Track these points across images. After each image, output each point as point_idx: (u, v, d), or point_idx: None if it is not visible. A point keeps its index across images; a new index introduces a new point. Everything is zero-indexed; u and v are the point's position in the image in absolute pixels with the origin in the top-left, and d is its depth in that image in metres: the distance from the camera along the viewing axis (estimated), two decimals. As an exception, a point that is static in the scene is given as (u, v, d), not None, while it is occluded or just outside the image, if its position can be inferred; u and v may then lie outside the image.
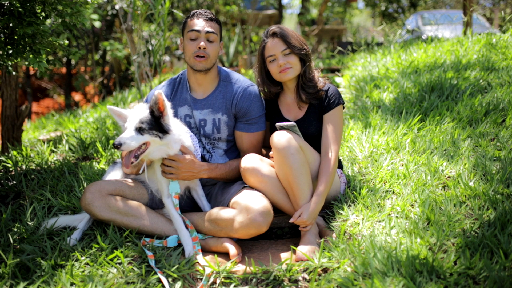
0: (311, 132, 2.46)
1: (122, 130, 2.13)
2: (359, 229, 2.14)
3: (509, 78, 3.67)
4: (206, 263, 2.05)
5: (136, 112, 2.12)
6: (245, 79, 2.56)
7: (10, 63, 2.91)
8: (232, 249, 2.17)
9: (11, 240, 2.18)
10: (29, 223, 2.41)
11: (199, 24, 2.42)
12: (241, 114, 2.50)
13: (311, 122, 2.47)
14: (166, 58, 9.45)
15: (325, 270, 1.98)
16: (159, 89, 2.58)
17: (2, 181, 2.96)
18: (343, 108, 2.50)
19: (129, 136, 2.04)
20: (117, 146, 2.01)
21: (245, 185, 2.35)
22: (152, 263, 2.02)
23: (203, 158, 2.49)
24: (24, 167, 3.21)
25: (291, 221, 2.21)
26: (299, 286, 1.94)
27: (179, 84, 2.57)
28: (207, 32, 2.41)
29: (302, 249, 2.12)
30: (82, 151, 3.56)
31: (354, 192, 2.45)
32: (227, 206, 2.29)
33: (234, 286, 1.93)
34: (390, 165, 2.70)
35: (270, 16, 12.28)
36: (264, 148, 2.68)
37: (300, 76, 2.48)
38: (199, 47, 2.39)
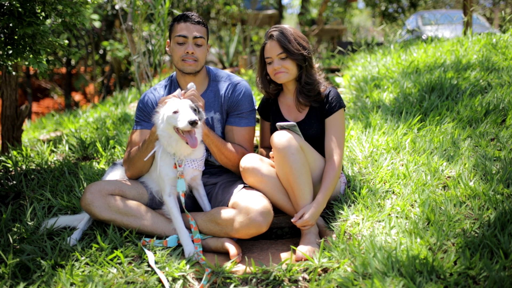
0: (312, 134, 2.46)
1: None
2: (359, 229, 2.15)
3: (509, 78, 3.67)
4: (207, 264, 2.05)
5: (180, 101, 2.18)
6: (235, 76, 2.59)
7: (10, 63, 2.91)
8: (232, 249, 2.17)
9: (11, 240, 2.18)
10: (29, 223, 2.41)
11: (187, 28, 2.42)
12: (232, 109, 2.52)
13: (312, 125, 2.47)
14: (166, 58, 9.44)
15: (325, 270, 1.98)
16: (158, 89, 2.59)
17: (2, 181, 2.96)
18: (344, 111, 2.50)
19: (194, 114, 2.11)
20: (195, 122, 2.06)
21: (245, 185, 2.36)
22: (152, 263, 2.02)
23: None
24: (24, 167, 3.21)
25: (293, 221, 2.21)
26: (299, 286, 1.94)
27: (171, 86, 2.59)
28: (195, 37, 2.42)
29: (302, 249, 2.12)
30: (82, 151, 3.56)
31: (354, 192, 2.45)
32: (227, 206, 2.30)
33: (234, 286, 1.93)
34: (390, 165, 2.70)
35: (270, 16, 12.27)
36: (264, 148, 2.68)
37: (299, 80, 2.48)
38: (187, 52, 2.41)
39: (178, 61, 2.45)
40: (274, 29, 2.46)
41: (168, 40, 2.54)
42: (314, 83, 2.46)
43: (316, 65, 2.53)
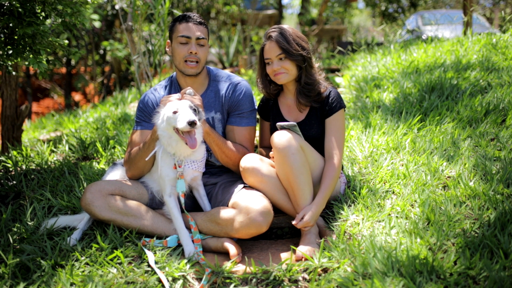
0: (312, 134, 2.46)
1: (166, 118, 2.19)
2: (359, 229, 2.14)
3: (509, 78, 3.67)
4: (207, 264, 2.05)
5: (180, 102, 2.19)
6: (235, 76, 2.59)
7: (10, 63, 2.91)
8: (232, 249, 2.17)
9: (11, 240, 2.18)
10: (29, 223, 2.41)
11: (189, 28, 2.42)
12: (233, 108, 2.52)
13: (312, 125, 2.47)
14: (166, 58, 9.44)
15: (325, 270, 1.98)
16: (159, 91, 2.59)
17: (2, 181, 2.96)
18: (344, 111, 2.49)
19: (194, 115, 2.11)
20: (193, 123, 2.06)
21: (245, 185, 2.36)
22: (152, 263, 2.02)
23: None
24: (24, 167, 3.21)
25: (294, 223, 2.20)
26: (299, 286, 1.94)
27: (171, 86, 2.59)
28: (198, 38, 2.42)
29: (302, 249, 2.12)
30: (82, 151, 3.56)
31: (354, 192, 2.45)
32: (227, 206, 2.30)
33: (234, 286, 1.93)
34: (390, 165, 2.70)
35: (270, 16, 12.27)
36: (263, 148, 2.68)
37: (298, 80, 2.47)
38: (191, 52, 2.41)
39: (180, 61, 2.44)
40: (273, 30, 2.45)
41: (169, 41, 2.53)
42: (314, 83, 2.45)
43: (316, 65, 2.52)
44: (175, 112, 2.12)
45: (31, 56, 2.61)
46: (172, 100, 2.22)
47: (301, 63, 2.42)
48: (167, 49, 2.54)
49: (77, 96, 10.69)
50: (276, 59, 2.41)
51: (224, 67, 9.64)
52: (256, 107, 2.61)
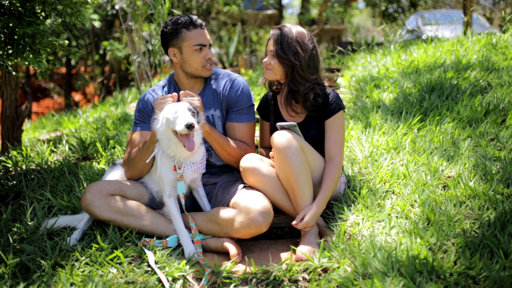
0: (312, 135, 2.45)
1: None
2: (359, 229, 2.15)
3: (509, 78, 3.67)
4: (207, 264, 2.05)
5: (179, 104, 2.19)
6: (232, 73, 2.61)
7: (10, 63, 2.91)
8: (232, 249, 2.17)
9: (11, 240, 2.18)
10: (29, 223, 2.41)
11: (202, 35, 2.45)
12: (231, 105, 2.53)
13: (312, 126, 2.47)
14: (166, 58, 9.43)
15: (325, 270, 1.98)
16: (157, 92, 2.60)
17: (2, 181, 2.96)
18: (344, 112, 2.49)
19: (192, 117, 2.11)
20: (191, 126, 2.06)
21: (245, 185, 2.36)
22: (152, 263, 2.02)
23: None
24: (24, 167, 3.21)
25: (294, 224, 2.20)
26: (299, 286, 1.94)
27: (169, 86, 2.59)
28: (210, 44, 2.49)
29: (302, 249, 2.12)
30: (82, 151, 3.56)
31: (354, 192, 2.45)
32: (227, 206, 2.30)
33: (234, 286, 1.94)
34: (390, 165, 2.70)
35: (270, 16, 12.28)
36: (264, 148, 2.68)
37: (288, 84, 2.44)
38: (209, 58, 2.46)
39: (198, 68, 2.46)
40: (276, 27, 2.46)
41: (174, 48, 2.46)
42: (299, 91, 2.39)
43: (323, 73, 2.49)
44: (174, 115, 2.12)
45: (31, 56, 2.61)
46: (168, 101, 2.22)
47: (288, 69, 2.40)
48: (173, 57, 2.48)
49: (77, 96, 10.68)
50: (270, 54, 2.44)
51: (224, 67, 9.63)
52: (254, 103, 2.62)
